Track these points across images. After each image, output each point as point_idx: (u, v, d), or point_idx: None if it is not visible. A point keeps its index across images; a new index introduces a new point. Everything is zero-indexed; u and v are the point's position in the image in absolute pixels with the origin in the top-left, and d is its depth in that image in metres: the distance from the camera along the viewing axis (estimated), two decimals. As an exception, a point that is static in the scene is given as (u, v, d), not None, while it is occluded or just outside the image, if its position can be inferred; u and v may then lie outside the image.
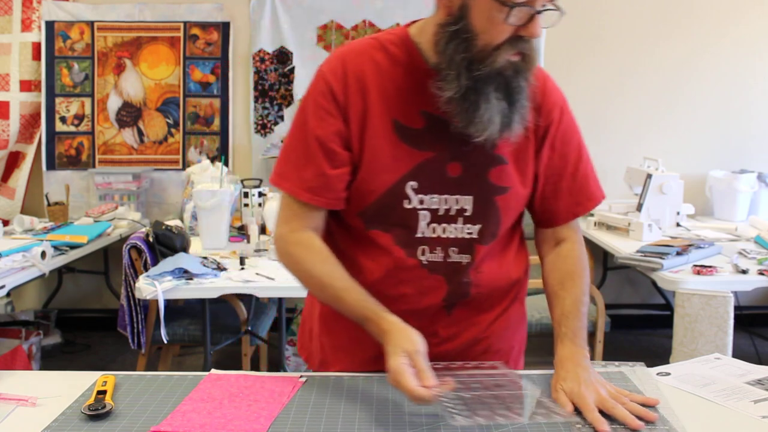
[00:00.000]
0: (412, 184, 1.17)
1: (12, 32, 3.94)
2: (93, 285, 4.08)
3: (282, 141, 3.76)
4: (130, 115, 4.01)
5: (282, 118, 4.01)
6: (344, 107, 1.16)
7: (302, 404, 1.08)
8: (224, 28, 3.98)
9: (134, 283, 2.54)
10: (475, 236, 1.21)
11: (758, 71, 4.03)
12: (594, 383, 1.08)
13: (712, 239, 3.02)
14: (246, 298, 2.75)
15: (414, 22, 1.22)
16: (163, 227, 2.72)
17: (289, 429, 1.00)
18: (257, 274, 2.43)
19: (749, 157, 4.06)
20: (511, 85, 1.10)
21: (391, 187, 1.17)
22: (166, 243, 2.68)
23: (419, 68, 1.16)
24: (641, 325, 4.03)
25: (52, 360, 3.66)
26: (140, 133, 4.02)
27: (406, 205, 1.18)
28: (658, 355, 3.62)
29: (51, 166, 4.00)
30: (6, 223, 3.46)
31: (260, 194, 3.30)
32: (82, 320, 4.11)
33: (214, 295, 2.38)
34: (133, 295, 2.64)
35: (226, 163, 3.84)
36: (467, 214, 1.20)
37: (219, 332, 2.75)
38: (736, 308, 2.48)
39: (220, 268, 2.50)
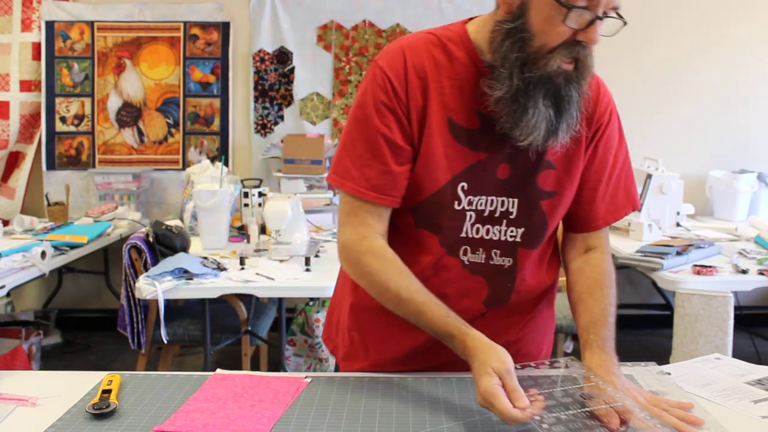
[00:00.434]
0: (463, 184, 1.17)
1: (12, 32, 3.94)
2: (93, 285, 4.08)
3: (282, 141, 3.78)
4: (130, 115, 4.01)
5: (282, 118, 4.01)
6: (405, 103, 1.14)
7: (306, 405, 1.08)
8: (224, 28, 3.98)
9: (134, 283, 2.54)
10: (518, 240, 1.21)
11: (758, 71, 4.03)
12: (631, 391, 1.05)
13: (712, 239, 3.02)
14: (246, 298, 2.75)
15: (471, 19, 1.21)
16: (163, 227, 2.72)
17: (291, 430, 1.00)
18: (257, 274, 2.43)
19: (749, 157, 4.06)
20: (560, 93, 1.09)
21: (443, 187, 1.16)
22: (166, 243, 2.68)
23: (477, 68, 1.15)
24: (641, 325, 4.03)
25: (52, 360, 3.66)
26: (140, 133, 4.02)
27: (456, 206, 1.17)
28: (658, 355, 3.62)
29: (51, 166, 4.00)
30: (6, 223, 3.46)
31: (260, 194, 3.30)
32: (82, 320, 4.11)
33: (214, 295, 2.38)
34: (133, 295, 2.64)
35: (226, 163, 3.85)
36: (512, 216, 1.20)
37: (219, 332, 2.75)
38: (736, 308, 2.48)
39: (220, 268, 2.50)
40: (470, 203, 1.18)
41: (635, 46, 3.92)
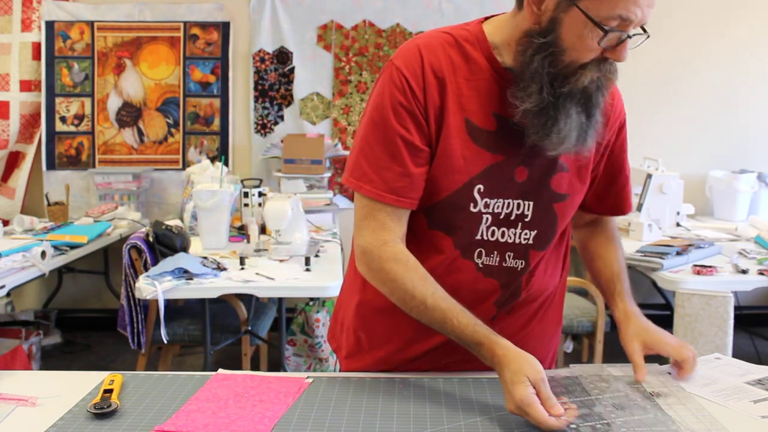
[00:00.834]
0: (479, 187, 1.16)
1: (12, 32, 3.94)
2: (93, 285, 4.08)
3: (282, 141, 3.78)
4: (130, 115, 4.01)
5: (282, 118, 4.01)
6: (423, 103, 1.13)
7: (307, 405, 1.08)
8: (224, 28, 3.98)
9: (134, 283, 2.54)
10: (530, 242, 1.21)
11: (758, 71, 4.03)
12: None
13: (712, 239, 3.02)
14: (246, 298, 2.75)
15: (486, 18, 1.20)
16: (163, 227, 2.72)
17: (292, 430, 1.00)
18: (257, 274, 2.42)
19: (749, 157, 4.06)
20: (591, 100, 1.10)
21: (460, 189, 1.15)
22: (166, 243, 2.68)
23: (495, 69, 1.14)
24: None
25: (52, 360, 3.66)
26: (140, 133, 4.02)
27: (472, 209, 1.17)
28: (658, 354, 3.62)
29: (51, 166, 4.00)
30: (6, 223, 3.46)
31: (260, 194, 3.30)
32: (82, 320, 4.11)
33: (214, 295, 2.38)
34: (133, 295, 2.64)
35: (226, 163, 3.85)
36: (527, 219, 1.20)
37: (219, 332, 2.75)
38: (736, 308, 2.48)
39: (220, 268, 2.49)
40: (487, 206, 1.17)
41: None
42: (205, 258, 2.56)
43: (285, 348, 3.15)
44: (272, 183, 3.91)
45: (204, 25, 3.98)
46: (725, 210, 3.77)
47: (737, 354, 1.91)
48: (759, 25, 4.01)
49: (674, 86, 4.00)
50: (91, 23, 3.96)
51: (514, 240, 1.20)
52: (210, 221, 2.89)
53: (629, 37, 1.04)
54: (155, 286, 2.27)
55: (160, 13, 3.96)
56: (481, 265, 1.20)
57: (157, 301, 2.28)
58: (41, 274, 2.77)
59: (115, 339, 3.63)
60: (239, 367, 2.63)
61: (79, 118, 4.00)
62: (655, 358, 1.24)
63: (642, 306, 4.05)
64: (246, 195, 3.30)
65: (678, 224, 3.43)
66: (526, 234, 1.21)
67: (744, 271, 2.53)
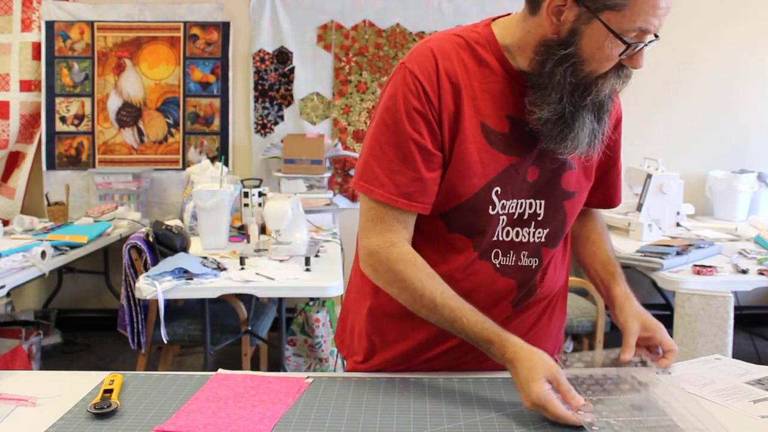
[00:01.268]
0: (497, 189, 1.16)
1: (12, 32, 3.94)
2: (93, 285, 4.08)
3: (282, 141, 3.78)
4: (130, 115, 4.01)
5: (282, 118, 4.01)
6: (438, 108, 1.12)
7: (307, 405, 1.08)
8: (224, 28, 3.98)
9: (134, 283, 2.54)
10: (543, 240, 1.23)
11: (758, 71, 4.03)
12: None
13: (712, 239, 3.02)
14: (246, 298, 2.75)
15: (495, 19, 1.20)
16: (163, 227, 2.72)
17: (292, 430, 1.00)
18: (257, 274, 2.42)
19: (749, 157, 4.06)
20: (604, 107, 1.12)
21: (478, 192, 1.16)
22: (166, 243, 2.68)
23: (507, 72, 1.15)
24: (641, 325, 4.03)
25: (52, 360, 3.66)
26: (140, 133, 4.02)
27: (491, 211, 1.17)
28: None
29: (51, 166, 4.00)
30: (6, 223, 3.46)
31: (260, 194, 3.30)
32: (82, 320, 4.11)
33: (214, 295, 2.37)
34: (133, 295, 2.64)
35: (226, 163, 3.85)
36: (539, 218, 1.21)
37: (219, 332, 2.75)
38: (736, 308, 2.48)
39: (220, 268, 2.49)
40: (503, 207, 1.18)
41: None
42: (205, 258, 2.55)
43: (285, 348, 3.15)
44: (272, 183, 3.91)
45: (204, 25, 3.98)
46: (725, 210, 3.77)
47: (737, 354, 1.91)
48: (759, 25, 4.01)
49: (674, 86, 4.00)
50: (91, 23, 3.96)
51: (528, 239, 1.22)
52: (210, 221, 2.89)
53: (645, 45, 1.06)
54: (155, 286, 2.27)
55: (160, 13, 3.96)
56: (498, 266, 1.21)
57: (157, 301, 2.28)
58: (41, 274, 2.76)
59: (115, 339, 3.63)
60: (239, 367, 2.63)
61: (79, 118, 4.00)
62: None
63: (642, 306, 4.04)
64: (246, 195, 3.30)
65: (678, 224, 3.43)
66: (539, 233, 1.22)
67: (744, 271, 2.53)
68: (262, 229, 3.07)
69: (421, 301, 1.13)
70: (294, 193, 3.04)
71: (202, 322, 2.63)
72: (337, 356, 3.34)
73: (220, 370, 1.21)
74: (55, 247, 2.96)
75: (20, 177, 3.98)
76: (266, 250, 2.72)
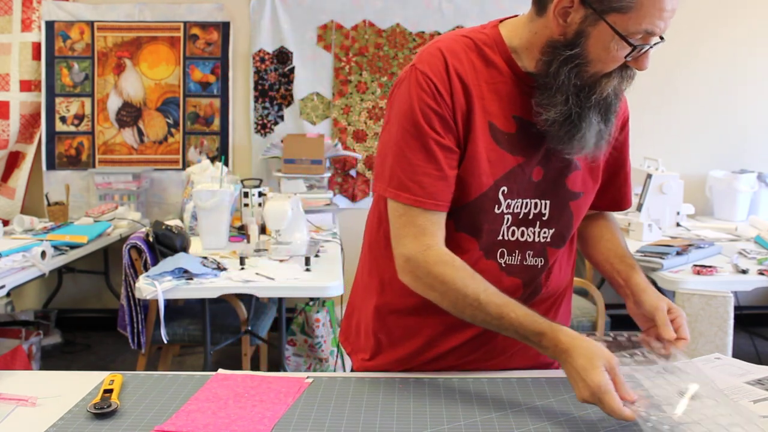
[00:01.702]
0: (504, 188, 1.17)
1: (12, 32, 3.94)
2: (93, 285, 4.08)
3: (282, 141, 3.77)
4: (130, 115, 4.01)
5: (282, 118, 4.01)
6: (451, 106, 1.13)
7: (307, 405, 1.08)
8: (224, 28, 3.98)
9: (134, 283, 2.54)
10: (548, 240, 1.23)
11: (758, 71, 4.03)
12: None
13: (712, 239, 3.02)
14: (246, 298, 2.75)
15: (502, 20, 1.20)
16: (163, 227, 2.72)
17: (292, 430, 1.00)
18: (257, 274, 2.42)
19: (749, 157, 4.06)
20: (610, 107, 1.13)
21: (486, 191, 1.16)
22: (166, 243, 2.68)
23: (514, 73, 1.16)
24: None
25: (52, 360, 3.66)
26: (140, 133, 4.02)
27: (496, 210, 1.18)
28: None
29: (51, 166, 4.00)
30: (6, 223, 3.46)
31: (260, 194, 3.30)
32: (82, 320, 4.11)
33: (214, 295, 2.37)
34: (133, 295, 2.64)
35: (226, 163, 3.85)
36: (544, 218, 1.22)
37: (219, 332, 2.75)
38: (736, 308, 2.48)
39: (220, 268, 2.49)
40: (508, 206, 1.19)
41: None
42: (205, 258, 2.55)
43: (285, 348, 3.15)
44: (272, 183, 3.91)
45: (204, 25, 3.98)
46: (725, 210, 3.77)
47: (737, 354, 1.91)
48: (758, 25, 4.01)
49: (674, 86, 4.00)
50: (91, 23, 3.96)
51: (534, 239, 1.22)
52: (210, 221, 2.89)
53: (651, 47, 1.06)
54: (155, 286, 2.27)
55: (160, 13, 3.96)
56: (503, 265, 1.22)
57: (157, 301, 2.28)
58: (41, 274, 2.77)
59: (115, 339, 3.63)
60: (239, 367, 2.63)
61: (79, 118, 4.00)
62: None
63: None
64: (246, 195, 3.30)
65: (678, 224, 3.43)
66: (544, 233, 1.22)
67: (744, 271, 2.53)
68: (262, 229, 3.07)
69: (465, 301, 1.11)
70: (294, 193, 3.04)
71: (202, 322, 2.63)
72: (337, 356, 3.34)
73: (220, 370, 1.21)
74: (55, 247, 2.96)
75: (20, 177, 3.98)
76: (266, 250, 2.72)
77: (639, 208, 3.32)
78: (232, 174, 3.73)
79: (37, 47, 3.95)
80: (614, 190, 1.34)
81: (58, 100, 3.98)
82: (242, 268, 2.50)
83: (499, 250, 1.21)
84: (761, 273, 2.53)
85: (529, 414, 1.05)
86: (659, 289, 4.29)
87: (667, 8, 1.02)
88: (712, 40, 4.00)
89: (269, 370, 3.22)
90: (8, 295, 3.20)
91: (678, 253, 2.63)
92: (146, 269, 2.58)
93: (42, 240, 2.96)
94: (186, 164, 4.00)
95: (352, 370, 1.39)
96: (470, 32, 1.19)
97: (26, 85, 3.96)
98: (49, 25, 3.93)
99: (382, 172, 1.17)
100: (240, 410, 1.05)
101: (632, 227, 3.16)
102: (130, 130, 4.02)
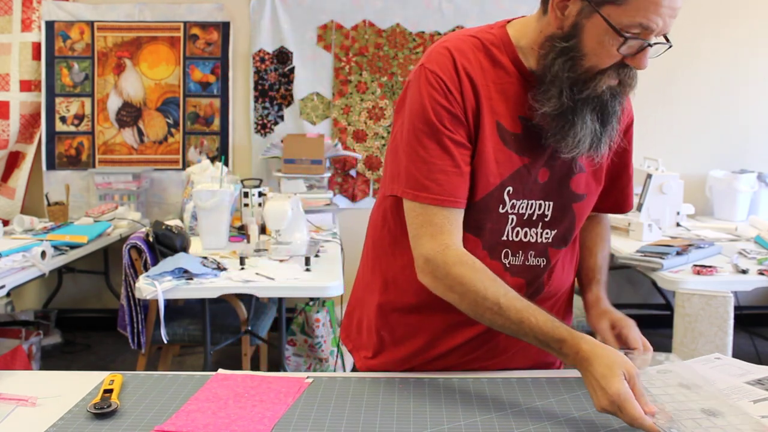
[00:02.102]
0: (509, 189, 1.17)
1: (12, 32, 3.94)
2: (93, 285, 4.08)
3: (282, 141, 3.76)
4: (130, 115, 4.01)
5: (282, 118, 4.01)
6: (462, 103, 1.13)
7: (307, 405, 1.08)
8: (224, 28, 3.98)
9: (134, 283, 2.54)
10: (550, 241, 1.23)
11: (758, 71, 4.03)
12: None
13: (712, 239, 3.02)
14: (246, 298, 2.75)
15: (510, 20, 1.21)
16: (163, 227, 2.72)
17: (292, 430, 1.00)
18: (257, 274, 2.42)
19: (749, 157, 4.06)
20: (607, 108, 1.12)
21: (492, 191, 1.16)
22: (166, 243, 2.68)
23: (521, 73, 1.16)
24: (641, 325, 3.97)
25: (52, 360, 3.66)
26: (140, 133, 4.02)
27: (500, 210, 1.18)
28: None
29: (51, 166, 4.00)
30: (6, 223, 3.46)
31: (260, 194, 3.30)
32: (82, 320, 4.11)
33: (214, 295, 2.37)
34: (133, 295, 2.64)
35: (226, 163, 3.85)
36: (547, 219, 1.22)
37: (219, 332, 2.75)
38: (736, 308, 2.48)
39: (220, 268, 2.49)
40: (513, 207, 1.19)
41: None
42: (205, 258, 2.55)
43: (285, 348, 3.15)
44: (272, 183, 3.91)
45: (204, 25, 3.98)
46: (725, 210, 3.77)
47: (737, 354, 1.90)
48: (759, 25, 4.01)
49: (674, 86, 4.00)
50: (91, 23, 3.96)
51: (536, 239, 1.22)
52: (210, 221, 2.89)
53: (650, 45, 1.05)
54: (155, 286, 2.27)
55: (160, 13, 3.96)
56: (507, 265, 1.22)
57: (157, 301, 2.27)
58: (41, 274, 2.76)
59: (115, 339, 3.63)
60: (239, 367, 2.63)
61: (79, 118, 4.00)
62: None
63: (642, 306, 4.05)
64: (246, 195, 3.30)
65: (678, 224, 3.43)
66: (546, 233, 1.23)
67: (744, 271, 2.53)
68: (262, 229, 3.07)
69: (484, 304, 1.09)
70: (294, 193, 3.04)
71: (202, 322, 2.63)
72: (337, 356, 3.34)
73: (220, 370, 1.21)
74: (55, 247, 2.96)
75: (20, 177, 3.98)
76: (266, 250, 2.72)
77: (639, 208, 3.32)
78: (232, 174, 3.73)
79: (37, 47, 3.95)
80: (617, 192, 1.35)
81: (58, 100, 3.98)
82: (242, 268, 2.50)
83: (504, 251, 1.21)
84: (761, 273, 2.52)
85: (529, 414, 1.05)
86: (659, 290, 4.27)
87: (664, 4, 1.01)
88: (713, 40, 4.00)
89: (269, 370, 3.22)
90: (8, 295, 3.20)
91: (678, 253, 2.63)
92: (146, 269, 2.58)
93: (42, 240, 2.96)
94: (186, 164, 4.00)
95: (353, 368, 1.39)
96: (478, 32, 1.19)
97: (26, 85, 3.96)
98: (49, 25, 3.93)
99: (397, 174, 1.17)
100: (240, 410, 1.05)
101: (632, 227, 3.16)
102: (130, 130, 4.02)
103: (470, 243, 1.19)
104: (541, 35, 1.13)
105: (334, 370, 3.30)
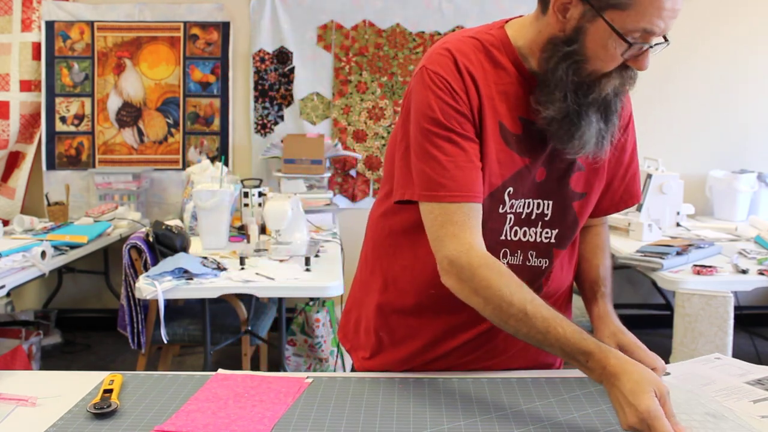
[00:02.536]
0: (510, 189, 1.17)
1: (12, 32, 3.94)
2: (93, 285, 4.08)
3: (282, 141, 3.76)
4: (130, 115, 4.01)
5: (282, 118, 4.01)
6: (467, 102, 1.12)
7: (307, 405, 1.08)
8: (224, 28, 3.98)
9: (134, 283, 2.54)
10: (553, 241, 1.23)
11: (758, 70, 4.03)
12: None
13: (712, 239, 3.02)
14: (246, 298, 2.75)
15: (508, 20, 1.20)
16: (163, 227, 2.72)
17: (292, 430, 1.00)
18: (257, 274, 2.42)
19: (749, 157, 4.06)
20: (610, 107, 1.12)
21: (494, 192, 1.16)
22: (166, 243, 2.68)
23: (521, 74, 1.15)
24: (641, 325, 4.01)
25: (52, 360, 3.66)
26: (140, 133, 4.02)
27: (500, 210, 1.18)
28: (658, 354, 3.62)
29: (51, 166, 4.00)
30: (6, 223, 3.46)
31: (260, 194, 3.30)
32: (82, 320, 4.11)
33: (214, 295, 2.37)
34: (133, 295, 2.64)
35: (226, 163, 3.85)
36: (546, 218, 1.22)
37: (219, 332, 2.75)
38: (736, 308, 2.48)
39: (220, 268, 2.49)
40: (512, 206, 1.19)
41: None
42: (205, 258, 2.55)
43: (285, 348, 3.15)
44: (272, 183, 3.91)
45: (204, 25, 3.98)
46: (725, 210, 3.77)
47: (737, 354, 1.90)
48: (758, 24, 4.01)
49: (674, 85, 4.00)
50: (91, 23, 3.96)
51: (536, 239, 1.22)
52: (210, 221, 2.89)
53: (651, 47, 1.05)
54: (155, 286, 2.27)
55: (160, 13, 3.95)
56: (506, 265, 1.20)
57: (157, 301, 2.27)
58: (41, 274, 2.76)
59: (115, 339, 3.63)
60: (239, 367, 2.63)
61: (79, 118, 4.00)
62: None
63: (642, 306, 4.04)
64: (246, 195, 3.30)
65: (678, 224, 3.43)
66: (547, 233, 1.22)
67: (744, 271, 2.53)
68: (262, 229, 3.07)
69: (509, 311, 1.05)
70: (294, 193, 3.04)
71: (202, 322, 2.63)
72: (337, 356, 3.34)
73: (220, 370, 1.21)
74: (55, 247, 2.96)
75: (20, 177, 3.98)
76: (266, 250, 2.72)
77: (639, 208, 3.32)
78: (232, 174, 3.73)
79: (37, 47, 3.95)
80: (624, 186, 1.33)
81: (58, 100, 3.98)
82: (242, 268, 2.50)
83: (502, 250, 1.21)
84: (761, 273, 2.52)
85: (529, 414, 1.05)
86: (659, 290, 4.28)
87: (667, 7, 1.01)
88: (713, 39, 3.99)
89: (269, 370, 3.22)
90: (8, 295, 3.20)
91: (678, 253, 2.63)
92: (146, 269, 2.58)
93: (42, 240, 2.96)
94: (186, 164, 4.00)
95: (352, 368, 1.39)
96: (477, 33, 1.19)
97: (26, 85, 3.96)
98: (49, 25, 3.93)
99: (408, 179, 1.15)
100: (240, 410, 1.05)
101: (632, 227, 3.16)
102: (130, 130, 4.02)
103: None
104: (540, 36, 1.12)
105: (335, 370, 3.30)
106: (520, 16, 1.20)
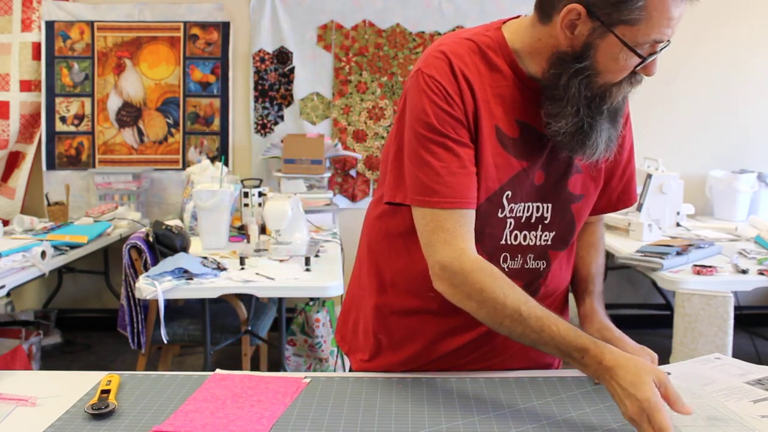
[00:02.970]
0: (508, 193, 1.17)
1: (12, 32, 3.94)
2: (93, 285, 4.08)
3: (282, 141, 3.76)
4: (130, 115, 4.01)
5: (282, 118, 4.01)
6: (462, 106, 1.12)
7: (305, 405, 1.08)
8: (224, 28, 3.98)
9: (134, 283, 2.54)
10: (549, 243, 1.23)
11: (758, 71, 4.03)
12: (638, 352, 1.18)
13: (712, 239, 3.02)
14: (246, 298, 2.75)
15: (504, 21, 1.20)
16: (163, 227, 2.72)
17: (290, 430, 1.00)
18: (257, 274, 2.42)
19: (749, 157, 4.06)
20: (617, 111, 1.14)
21: (491, 196, 1.15)
22: (166, 243, 2.68)
23: (518, 77, 1.15)
24: (641, 325, 4.03)
25: (52, 360, 3.66)
26: (140, 133, 4.02)
27: (499, 214, 1.18)
28: (658, 355, 3.61)
29: (51, 166, 4.00)
30: (6, 223, 3.46)
31: (260, 194, 3.30)
32: (82, 320, 4.11)
33: (214, 295, 2.37)
34: (133, 295, 2.64)
35: (226, 163, 3.85)
36: (546, 221, 1.22)
37: (219, 332, 2.75)
38: (736, 308, 2.48)
39: (220, 268, 2.49)
40: (511, 211, 1.18)
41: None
42: (205, 258, 2.55)
43: (285, 348, 3.15)
44: (272, 183, 3.91)
45: (204, 25, 3.98)
46: (725, 210, 3.77)
47: (737, 354, 1.90)
48: (759, 25, 4.01)
49: (674, 86, 4.00)
50: (91, 23, 3.96)
51: (535, 242, 1.22)
52: (210, 221, 2.89)
53: (657, 53, 1.06)
54: (155, 286, 2.27)
55: (160, 13, 3.96)
56: (506, 269, 1.21)
57: (157, 301, 2.27)
58: (41, 274, 2.77)
59: (115, 339, 3.63)
60: (239, 367, 2.63)
61: (79, 118, 4.00)
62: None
63: (642, 306, 4.04)
64: (246, 195, 3.30)
65: (678, 224, 3.43)
66: (545, 236, 1.22)
67: (744, 271, 2.53)
68: (262, 229, 3.07)
69: (503, 312, 1.06)
70: (294, 193, 3.04)
71: (202, 322, 2.63)
72: (337, 356, 3.34)
73: (218, 370, 1.21)
74: (55, 247, 2.96)
75: (20, 177, 3.98)
76: (266, 250, 2.72)
77: (639, 208, 3.32)
78: (232, 174, 3.73)
79: (37, 47, 3.95)
80: (621, 186, 1.33)
81: (58, 100, 3.98)
82: (242, 268, 2.50)
83: (502, 255, 1.21)
84: (761, 273, 2.52)
85: (527, 414, 1.05)
86: (659, 290, 4.28)
87: (675, 16, 1.02)
88: (714, 40, 3.99)
89: (269, 370, 3.23)
90: (8, 295, 3.20)
91: (678, 253, 2.63)
92: (146, 269, 2.58)
93: (42, 240, 2.96)
94: (186, 164, 4.00)
95: (350, 370, 1.39)
96: (473, 35, 1.18)
97: (26, 85, 3.96)
98: (49, 25, 3.93)
99: (401, 181, 1.14)
100: (238, 410, 1.05)
101: (632, 227, 3.16)
102: (130, 130, 4.02)
103: None
104: (540, 43, 1.12)
105: (334, 370, 3.30)
106: (518, 17, 1.20)
